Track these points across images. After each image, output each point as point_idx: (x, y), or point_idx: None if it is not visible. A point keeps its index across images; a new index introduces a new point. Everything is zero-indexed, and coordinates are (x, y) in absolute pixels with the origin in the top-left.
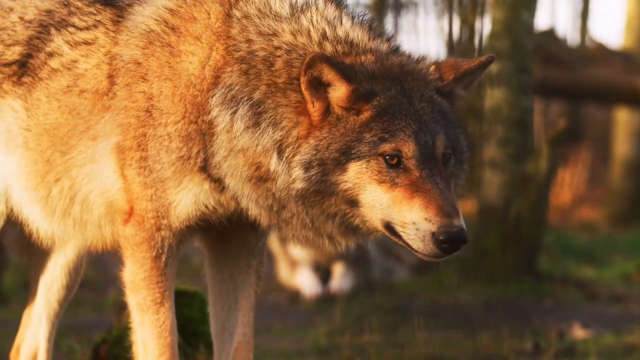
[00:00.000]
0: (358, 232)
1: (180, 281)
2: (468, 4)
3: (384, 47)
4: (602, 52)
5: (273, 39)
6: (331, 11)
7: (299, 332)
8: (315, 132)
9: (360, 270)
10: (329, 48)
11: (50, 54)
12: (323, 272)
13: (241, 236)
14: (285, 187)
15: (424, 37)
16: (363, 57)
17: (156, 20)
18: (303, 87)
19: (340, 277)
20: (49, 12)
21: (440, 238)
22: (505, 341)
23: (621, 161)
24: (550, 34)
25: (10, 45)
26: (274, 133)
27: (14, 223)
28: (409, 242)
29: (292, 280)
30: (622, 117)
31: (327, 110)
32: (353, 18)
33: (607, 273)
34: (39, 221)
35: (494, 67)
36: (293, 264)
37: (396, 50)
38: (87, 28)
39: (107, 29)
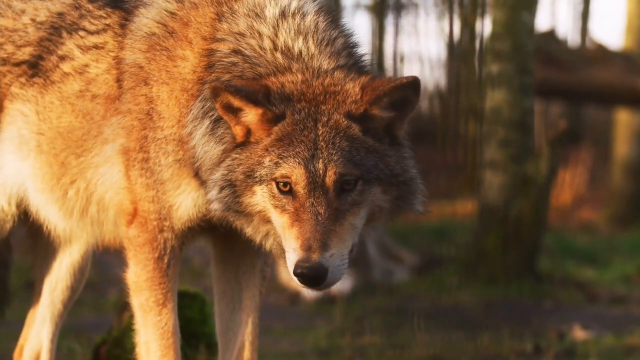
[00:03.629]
0: None
1: (181, 282)
2: (469, 5)
3: (328, 64)
4: (602, 53)
5: (240, 39)
6: (308, 22)
7: (300, 333)
8: (231, 154)
9: (360, 271)
10: (278, 60)
11: (62, 58)
12: None
13: (246, 236)
14: (209, 206)
15: (424, 38)
16: (290, 77)
17: (157, 23)
18: (220, 112)
19: None
20: (60, 14)
21: (297, 271)
22: (506, 342)
23: (621, 162)
24: (550, 35)
25: (21, 46)
26: (216, 149)
27: (31, 224)
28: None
29: (293, 281)
30: (623, 118)
31: (248, 132)
32: (318, 31)
33: (607, 274)
34: (56, 221)
35: (494, 68)
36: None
37: (350, 67)
38: (97, 32)
39: (115, 32)
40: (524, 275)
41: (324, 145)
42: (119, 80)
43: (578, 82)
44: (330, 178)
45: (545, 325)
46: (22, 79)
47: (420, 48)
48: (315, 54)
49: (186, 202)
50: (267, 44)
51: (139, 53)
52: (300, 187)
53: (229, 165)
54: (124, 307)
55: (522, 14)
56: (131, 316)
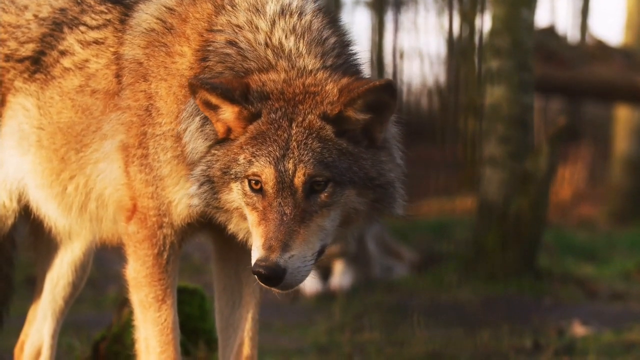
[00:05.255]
0: None
1: (181, 278)
2: (468, 1)
3: (313, 64)
4: (602, 50)
5: (238, 31)
6: (303, 21)
7: (299, 329)
8: (211, 150)
9: (360, 267)
10: (269, 57)
11: (63, 53)
12: (323, 270)
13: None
14: (190, 202)
15: (424, 34)
16: (273, 75)
17: (156, 19)
18: (200, 109)
19: (340, 275)
20: (62, 10)
21: (255, 270)
22: (505, 339)
23: (621, 159)
24: (550, 31)
25: (24, 42)
26: (203, 146)
27: (33, 220)
28: None
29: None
30: (622, 114)
31: (228, 129)
32: (311, 31)
33: (607, 271)
34: (56, 217)
35: (494, 64)
36: None
37: (337, 67)
38: (98, 27)
39: (115, 28)
40: (523, 271)
41: (296, 146)
42: (118, 76)
43: (578, 79)
44: (299, 179)
45: (544, 321)
46: (25, 75)
47: (420, 44)
48: (304, 53)
49: (185, 199)
50: (261, 39)
51: (138, 49)
52: (269, 187)
53: (208, 161)
54: (123, 303)
55: (522, 10)
56: (130, 312)
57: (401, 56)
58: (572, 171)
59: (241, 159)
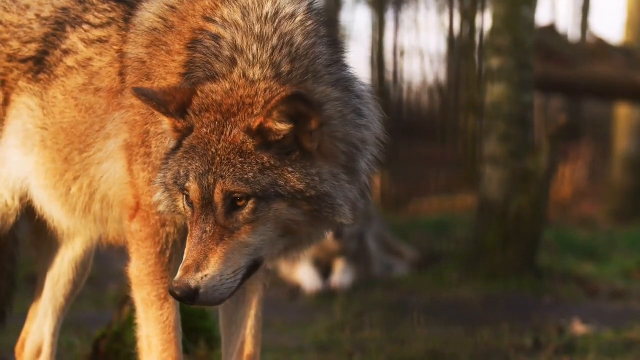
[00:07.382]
0: None
1: None
2: (469, 0)
3: (261, 73)
4: (602, 48)
5: (226, 26)
6: (275, 26)
7: (299, 327)
8: (167, 158)
9: (360, 265)
10: (231, 61)
11: (66, 52)
12: (323, 268)
13: None
14: (157, 209)
15: (424, 32)
16: (217, 86)
17: (158, 17)
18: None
19: (340, 273)
20: (64, 9)
21: (169, 289)
22: (505, 337)
23: (621, 157)
24: (550, 29)
25: (26, 42)
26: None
27: (36, 219)
28: None
29: (293, 275)
30: (623, 112)
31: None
32: (277, 36)
33: (607, 269)
34: (60, 217)
35: (494, 63)
36: (293, 258)
37: (286, 74)
38: (101, 25)
39: (119, 26)
40: (523, 270)
41: (219, 161)
42: (121, 74)
43: (578, 77)
44: (217, 195)
45: (544, 320)
46: (29, 75)
47: (420, 42)
48: (257, 61)
49: None
50: (237, 40)
51: (141, 47)
52: (195, 203)
53: (163, 169)
54: (123, 301)
55: (522, 9)
56: (131, 310)
57: (401, 54)
58: (572, 169)
59: (181, 171)
